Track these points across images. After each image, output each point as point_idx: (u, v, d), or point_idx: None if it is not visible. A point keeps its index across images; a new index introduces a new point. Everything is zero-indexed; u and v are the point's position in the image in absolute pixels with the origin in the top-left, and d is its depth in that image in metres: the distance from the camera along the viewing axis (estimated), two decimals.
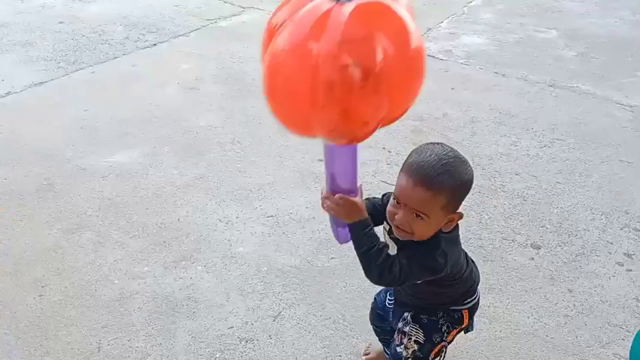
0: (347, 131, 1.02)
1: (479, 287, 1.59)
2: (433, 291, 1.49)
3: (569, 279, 2.28)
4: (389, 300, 1.70)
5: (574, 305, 2.17)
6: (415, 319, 1.56)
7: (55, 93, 3.62)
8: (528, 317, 2.11)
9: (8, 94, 3.55)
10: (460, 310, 1.54)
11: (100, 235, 2.47)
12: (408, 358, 1.60)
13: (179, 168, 2.92)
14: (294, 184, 2.81)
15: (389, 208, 1.35)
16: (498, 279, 2.27)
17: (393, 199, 1.33)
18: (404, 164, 1.33)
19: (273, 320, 2.09)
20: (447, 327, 1.54)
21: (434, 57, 4.21)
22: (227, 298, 2.18)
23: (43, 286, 2.21)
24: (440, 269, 1.34)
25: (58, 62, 3.98)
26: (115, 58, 4.09)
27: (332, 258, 2.36)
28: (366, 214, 1.35)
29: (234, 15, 4.85)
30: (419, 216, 1.27)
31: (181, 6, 4.95)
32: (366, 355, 1.96)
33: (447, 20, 4.87)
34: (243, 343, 2.00)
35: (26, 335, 2.02)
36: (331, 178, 1.33)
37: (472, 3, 5.25)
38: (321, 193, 1.40)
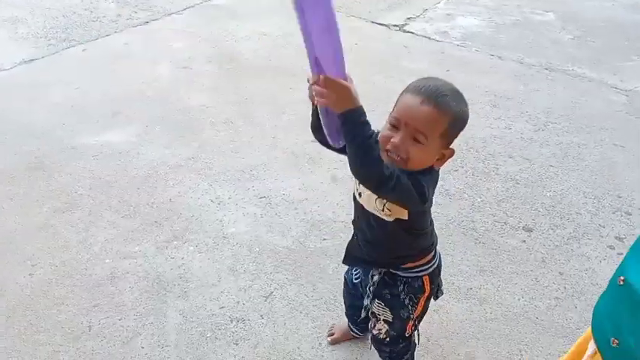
0: None
1: (440, 252, 1.57)
2: (402, 240, 1.44)
3: (560, 262, 2.29)
4: (355, 276, 1.69)
5: (564, 288, 2.18)
6: (379, 296, 1.55)
7: (45, 70, 3.57)
8: (519, 299, 2.12)
9: None
10: (420, 277, 1.51)
11: (91, 215, 2.46)
12: (386, 339, 1.61)
13: (171, 148, 2.90)
14: (287, 165, 2.80)
15: (383, 133, 1.27)
16: (490, 261, 2.28)
17: (389, 123, 1.28)
18: (406, 88, 1.28)
19: (265, 300, 2.09)
20: (410, 299, 1.53)
21: (429, 38, 4.18)
22: (218, 278, 2.18)
23: (33, 265, 2.20)
24: (425, 198, 1.28)
25: (48, 39, 3.92)
26: (107, 35, 4.03)
27: (324, 239, 2.35)
28: (360, 102, 1.20)
29: None
30: (417, 140, 1.23)
31: None
32: (331, 335, 1.96)
33: (443, 1, 4.82)
34: (234, 322, 2.01)
35: (16, 314, 2.01)
36: (315, 64, 1.17)
37: None
38: (308, 81, 1.23)
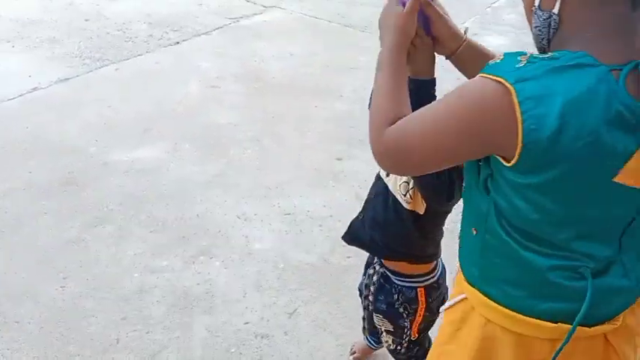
0: None
1: (445, 274, 1.56)
2: (408, 233, 1.42)
3: None
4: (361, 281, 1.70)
5: None
6: (377, 309, 1.56)
7: (79, 89, 3.69)
8: None
9: (35, 89, 3.63)
10: (414, 288, 1.50)
11: (121, 229, 2.52)
12: (395, 348, 1.62)
13: (199, 164, 2.96)
14: (313, 182, 2.83)
15: None
16: None
17: None
18: None
19: (289, 317, 2.11)
20: (405, 308, 1.51)
21: None
22: (244, 293, 2.21)
23: (65, 278, 2.26)
24: (451, 196, 1.26)
25: (83, 59, 4.05)
26: (139, 55, 4.15)
27: (348, 257, 2.37)
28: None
29: (255, 14, 4.88)
30: None
31: (204, 5, 5.00)
32: (353, 354, 1.97)
33: (470, 20, 4.84)
34: (258, 338, 2.03)
35: (48, 325, 2.07)
36: None
37: (496, 3, 5.21)
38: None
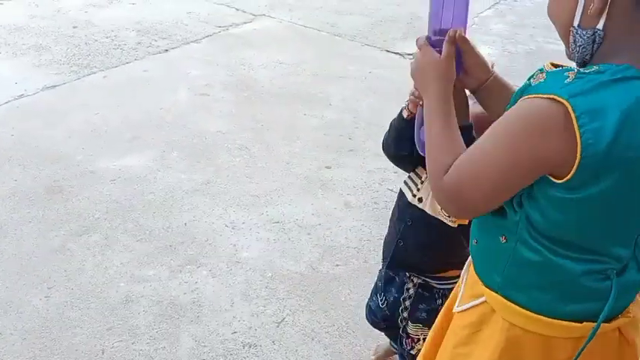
0: None
1: None
2: (459, 244, 1.43)
3: None
4: (380, 301, 1.68)
5: None
6: (414, 319, 1.57)
7: (67, 96, 3.66)
8: None
9: (21, 96, 3.60)
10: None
11: (107, 238, 2.49)
12: None
13: (187, 173, 2.94)
14: (301, 191, 2.82)
15: None
16: None
17: None
18: None
19: (277, 326, 2.09)
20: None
21: None
22: (231, 303, 2.19)
23: (49, 288, 2.23)
24: None
25: (70, 66, 4.02)
26: (127, 63, 4.13)
27: (337, 265, 2.36)
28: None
29: (245, 22, 4.88)
30: None
31: (193, 13, 5.00)
32: (374, 350, 1.98)
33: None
34: (246, 348, 2.01)
35: (31, 336, 2.03)
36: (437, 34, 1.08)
37: (483, 13, 5.25)
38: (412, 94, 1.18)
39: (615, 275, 0.95)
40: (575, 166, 0.83)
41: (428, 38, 1.07)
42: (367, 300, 1.76)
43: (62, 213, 2.63)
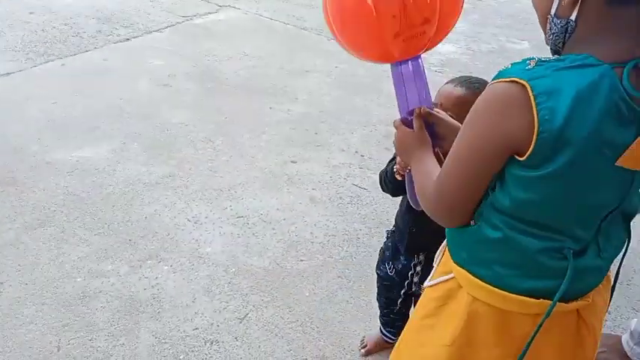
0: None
1: None
2: None
3: None
4: (389, 269, 1.77)
5: None
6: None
7: (22, 84, 3.52)
8: None
9: None
10: None
11: (63, 232, 2.41)
12: None
13: (148, 165, 2.87)
14: (266, 185, 2.79)
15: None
16: None
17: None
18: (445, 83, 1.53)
19: (240, 322, 2.06)
20: None
21: None
22: (193, 298, 2.14)
23: (1, 283, 2.14)
24: None
25: (26, 53, 3.87)
26: (87, 51, 4.00)
27: (301, 260, 2.34)
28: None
29: (210, 13, 4.80)
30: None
31: (156, 1, 4.88)
32: (364, 347, 1.98)
33: None
34: (208, 344, 1.97)
35: None
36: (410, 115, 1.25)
37: None
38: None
39: (572, 255, 1.00)
40: (533, 142, 0.90)
41: (402, 119, 1.24)
42: (375, 268, 1.86)
43: (16, 205, 2.53)
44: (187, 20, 4.64)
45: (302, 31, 4.65)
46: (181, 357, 1.93)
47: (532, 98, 0.88)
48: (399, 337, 1.29)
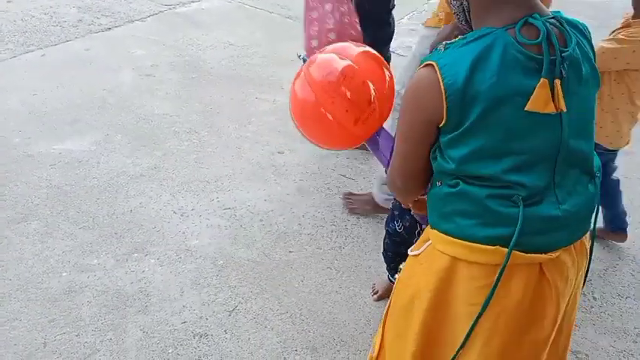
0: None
1: None
2: None
3: None
4: (397, 225, 1.91)
5: None
6: None
7: (1, 76, 3.44)
8: None
9: None
10: None
11: (47, 226, 2.37)
12: None
13: (132, 157, 2.83)
14: (253, 176, 2.77)
15: None
16: None
17: None
18: None
19: (229, 315, 2.05)
20: None
21: (394, 52, 4.22)
22: (181, 292, 2.12)
23: None
24: None
25: (5, 43, 3.78)
26: (68, 41, 3.92)
27: (290, 252, 2.33)
28: None
29: (193, 1, 4.73)
30: None
31: None
32: (376, 293, 2.13)
33: (407, 16, 4.89)
34: (197, 338, 1.96)
35: None
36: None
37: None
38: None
39: (522, 201, 1.08)
40: (445, 107, 1.06)
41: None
42: (384, 226, 2.01)
43: None
44: (170, 9, 4.57)
45: (287, 19, 4.60)
46: (170, 351, 1.91)
47: (438, 71, 1.06)
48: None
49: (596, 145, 2.13)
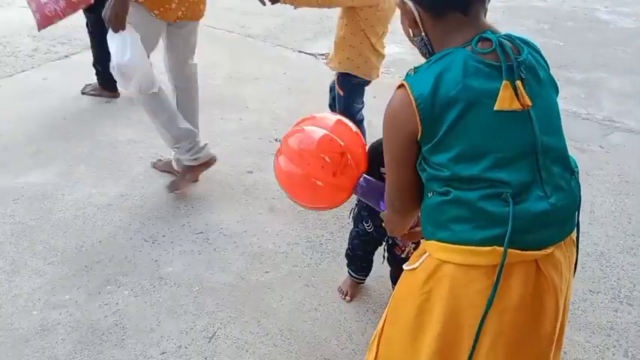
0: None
1: None
2: None
3: None
4: (367, 226, 2.00)
5: None
6: None
7: None
8: None
9: None
10: None
11: (14, 263, 2.29)
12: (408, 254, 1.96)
13: (98, 186, 2.77)
14: (223, 197, 2.74)
15: None
16: None
17: None
18: None
19: (209, 341, 2.01)
20: None
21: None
22: (157, 321, 2.08)
23: None
24: None
25: None
26: (24, 71, 3.84)
27: (266, 272, 2.31)
28: None
29: None
30: None
31: None
32: (346, 294, 2.19)
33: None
34: None
35: None
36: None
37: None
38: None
39: (511, 198, 1.13)
40: (418, 118, 1.15)
41: (382, 211, 1.50)
42: (351, 230, 2.12)
43: None
44: None
45: (247, 38, 4.61)
46: None
47: (408, 88, 1.16)
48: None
49: (353, 76, 2.57)
